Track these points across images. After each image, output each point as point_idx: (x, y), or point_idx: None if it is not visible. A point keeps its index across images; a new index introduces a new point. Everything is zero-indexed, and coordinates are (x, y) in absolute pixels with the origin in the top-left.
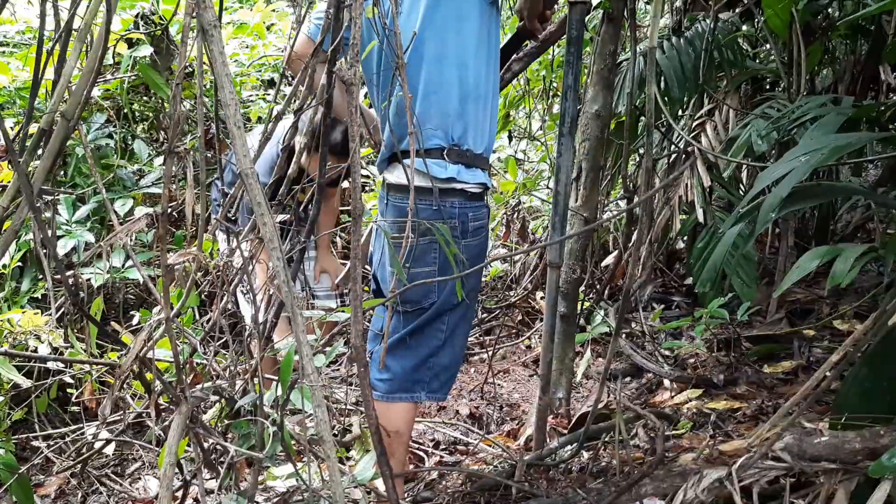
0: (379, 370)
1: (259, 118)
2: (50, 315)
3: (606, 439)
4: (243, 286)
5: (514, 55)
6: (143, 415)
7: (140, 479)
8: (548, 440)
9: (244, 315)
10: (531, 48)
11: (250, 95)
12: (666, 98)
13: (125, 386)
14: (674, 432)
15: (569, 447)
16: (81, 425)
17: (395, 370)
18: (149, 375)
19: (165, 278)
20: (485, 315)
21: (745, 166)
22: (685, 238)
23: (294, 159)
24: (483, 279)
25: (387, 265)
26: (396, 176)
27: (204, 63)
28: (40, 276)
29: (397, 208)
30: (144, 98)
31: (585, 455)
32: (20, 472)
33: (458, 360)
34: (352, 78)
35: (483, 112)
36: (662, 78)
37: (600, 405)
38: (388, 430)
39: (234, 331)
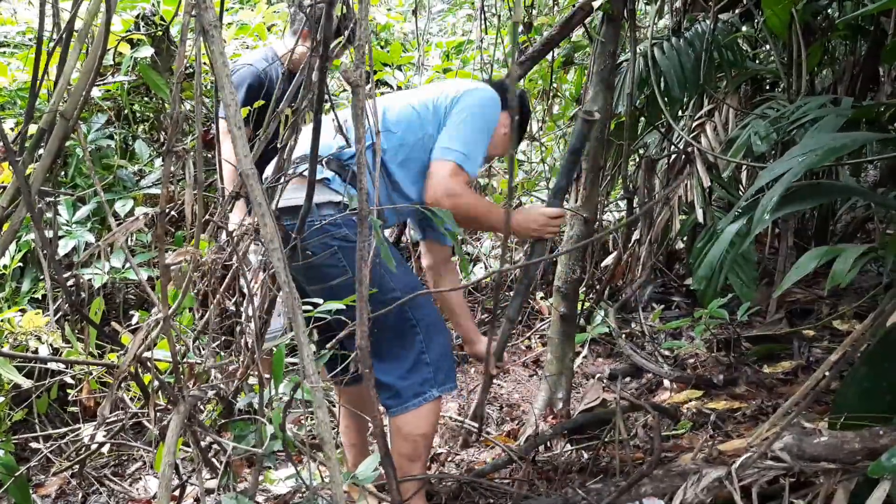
0: (381, 392)
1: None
2: (49, 316)
3: (606, 439)
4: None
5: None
6: (141, 414)
7: (140, 479)
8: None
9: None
10: (533, 51)
11: None
12: (666, 98)
13: (124, 386)
14: (673, 432)
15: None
16: (80, 426)
17: (395, 383)
18: (146, 377)
19: (163, 278)
20: (485, 315)
21: (744, 167)
22: (685, 238)
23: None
24: (485, 279)
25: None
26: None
27: (204, 63)
28: (41, 277)
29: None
30: (145, 99)
31: (586, 455)
32: (19, 472)
33: (450, 343)
34: (358, 79)
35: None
36: (662, 78)
37: (597, 402)
38: (415, 435)
39: (229, 330)
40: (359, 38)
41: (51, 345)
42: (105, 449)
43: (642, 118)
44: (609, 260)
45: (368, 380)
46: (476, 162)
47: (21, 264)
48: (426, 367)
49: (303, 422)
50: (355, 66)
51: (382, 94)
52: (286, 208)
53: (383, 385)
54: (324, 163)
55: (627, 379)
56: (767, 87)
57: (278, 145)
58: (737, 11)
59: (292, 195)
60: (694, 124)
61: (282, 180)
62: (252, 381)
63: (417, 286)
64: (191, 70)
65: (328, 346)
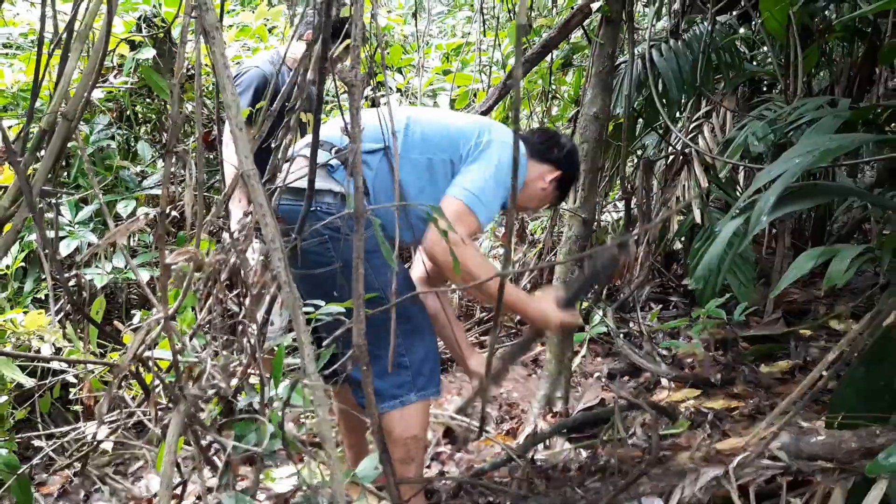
0: (357, 391)
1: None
2: (51, 315)
3: (605, 438)
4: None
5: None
6: (141, 413)
7: (142, 477)
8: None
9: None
10: (532, 53)
11: None
12: (664, 99)
13: (125, 385)
14: (671, 431)
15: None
16: (82, 424)
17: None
18: (147, 376)
19: (164, 278)
20: (484, 314)
21: (742, 168)
22: (683, 239)
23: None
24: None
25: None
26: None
27: (206, 65)
28: (43, 277)
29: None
30: (148, 100)
31: (584, 454)
32: (21, 471)
33: (435, 348)
34: (353, 79)
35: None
36: (660, 80)
37: (596, 401)
38: (405, 438)
39: (231, 329)
40: (354, 37)
41: (53, 344)
42: (107, 447)
43: (640, 119)
44: None
45: (367, 376)
46: (490, 211)
47: (24, 264)
48: (404, 371)
49: (303, 420)
50: (351, 66)
51: (382, 95)
52: (286, 188)
53: (359, 383)
54: (332, 151)
55: (626, 378)
56: (765, 89)
57: (272, 145)
58: (734, 13)
59: (294, 176)
60: (692, 125)
61: (283, 171)
62: (253, 380)
63: (405, 288)
64: (192, 72)
65: (324, 344)
